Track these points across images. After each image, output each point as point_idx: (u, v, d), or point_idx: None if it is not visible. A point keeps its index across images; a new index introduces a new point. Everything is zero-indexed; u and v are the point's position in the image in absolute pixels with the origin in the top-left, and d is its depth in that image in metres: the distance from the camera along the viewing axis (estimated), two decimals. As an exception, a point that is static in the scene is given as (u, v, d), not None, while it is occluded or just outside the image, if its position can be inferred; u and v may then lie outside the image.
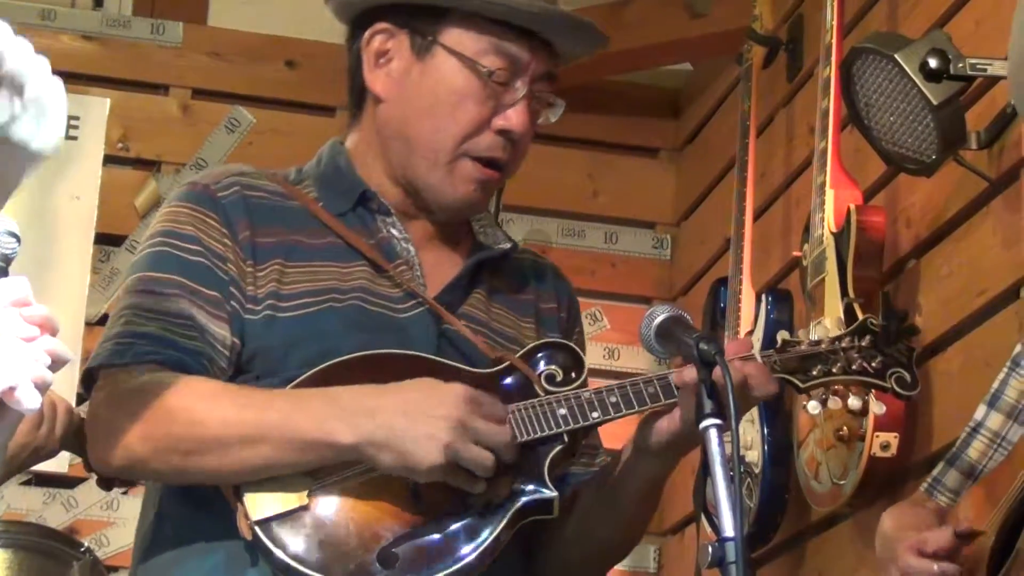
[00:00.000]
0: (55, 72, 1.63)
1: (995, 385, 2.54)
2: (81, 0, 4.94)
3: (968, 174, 3.15)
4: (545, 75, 2.51)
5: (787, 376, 2.41)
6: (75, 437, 3.10)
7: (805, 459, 3.47)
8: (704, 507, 3.73)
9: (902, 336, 2.44)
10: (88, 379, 2.38)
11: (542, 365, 2.41)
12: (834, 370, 2.41)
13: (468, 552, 2.27)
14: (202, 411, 2.25)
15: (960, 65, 2.99)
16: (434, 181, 2.46)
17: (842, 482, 3.32)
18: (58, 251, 4.57)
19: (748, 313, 3.82)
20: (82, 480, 4.49)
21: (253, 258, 2.38)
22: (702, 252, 4.74)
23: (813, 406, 2.53)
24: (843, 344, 2.41)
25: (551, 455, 2.33)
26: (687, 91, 5.09)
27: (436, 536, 2.28)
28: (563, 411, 2.33)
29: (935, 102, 3.00)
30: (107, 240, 4.71)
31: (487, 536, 2.28)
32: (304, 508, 2.26)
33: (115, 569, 4.46)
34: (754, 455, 3.67)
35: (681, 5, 4.67)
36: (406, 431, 2.22)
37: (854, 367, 2.41)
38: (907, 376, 2.42)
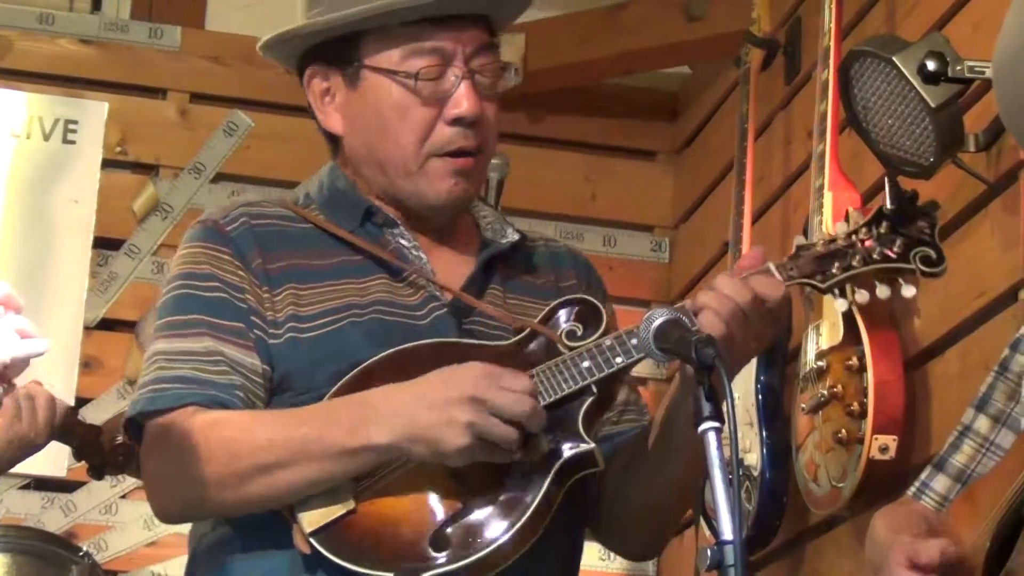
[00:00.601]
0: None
1: (983, 389, 2.53)
2: (79, 4, 4.95)
3: (966, 177, 3.15)
4: (482, 47, 2.49)
5: (805, 280, 2.37)
6: (65, 429, 3.10)
7: (804, 462, 3.47)
8: (703, 510, 3.76)
9: (920, 214, 2.36)
10: (132, 429, 2.43)
11: (562, 323, 2.41)
12: (854, 263, 2.34)
13: (518, 518, 2.27)
14: (241, 444, 2.31)
15: (958, 68, 2.99)
16: (414, 189, 2.48)
17: (841, 485, 3.32)
18: (56, 255, 4.57)
19: (746, 316, 3.82)
20: (81, 484, 4.50)
21: (268, 284, 2.42)
22: (700, 255, 4.74)
23: (840, 304, 2.48)
24: (860, 236, 2.35)
25: (583, 408, 2.32)
26: (685, 94, 5.09)
27: (484, 511, 2.29)
28: (586, 363, 2.34)
29: (933, 105, 3.00)
30: (105, 244, 4.71)
31: (533, 499, 2.28)
32: (352, 512, 2.30)
33: (114, 573, 4.46)
34: (753, 458, 3.67)
35: (679, 8, 4.67)
36: (430, 421, 2.25)
37: (875, 256, 2.34)
38: (932, 253, 2.35)
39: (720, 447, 2.08)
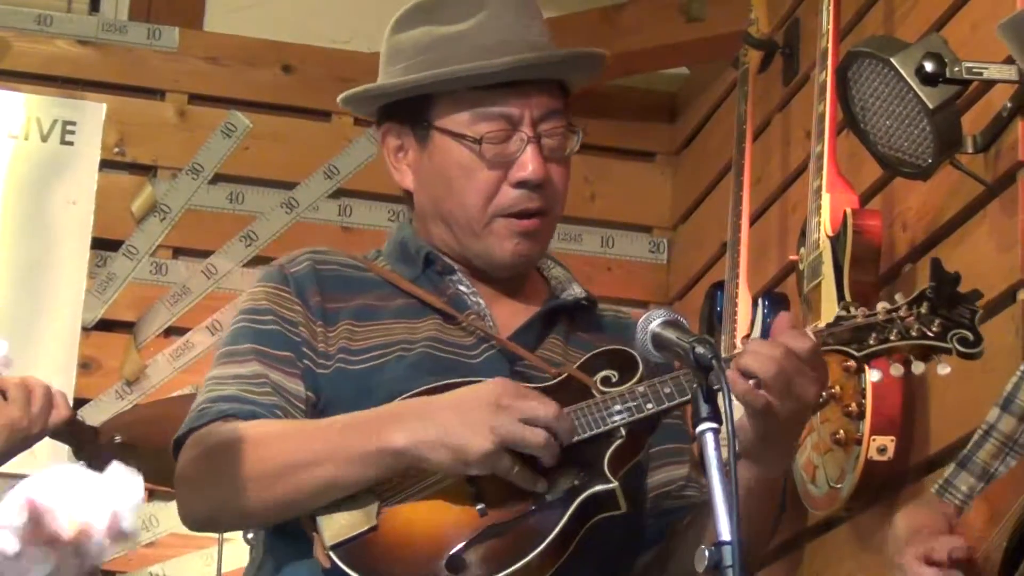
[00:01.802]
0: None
1: (1008, 388, 2.53)
2: (77, 5, 4.95)
3: (964, 178, 3.15)
4: (550, 112, 2.56)
5: (841, 347, 2.39)
6: (63, 426, 3.09)
7: (802, 463, 3.47)
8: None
9: (962, 300, 2.38)
10: (177, 449, 2.49)
11: (598, 371, 2.46)
12: (892, 337, 2.37)
13: (533, 551, 2.30)
14: (267, 446, 2.37)
15: (956, 69, 2.99)
16: (480, 249, 2.55)
17: (839, 486, 3.32)
18: (54, 256, 4.57)
19: (745, 317, 3.83)
20: (79, 485, 4.49)
21: (323, 320, 2.50)
22: (699, 256, 4.74)
23: (875, 375, 2.52)
24: (901, 313, 2.38)
25: (611, 450, 2.35)
26: (683, 95, 5.09)
27: (502, 538, 2.32)
28: (617, 407, 2.38)
29: (931, 106, 3.00)
30: (103, 245, 4.71)
31: (550, 533, 2.31)
32: (373, 528, 2.34)
33: (112, 574, 4.46)
34: (751, 459, 3.67)
35: (677, 9, 4.68)
36: (453, 425, 2.29)
37: (913, 332, 2.36)
38: (970, 335, 2.37)
39: (718, 447, 2.08)
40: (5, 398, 3.00)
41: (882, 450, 3.23)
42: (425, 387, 2.40)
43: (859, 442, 3.25)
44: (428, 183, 2.58)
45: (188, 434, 2.44)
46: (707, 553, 2.00)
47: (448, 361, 2.47)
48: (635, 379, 2.41)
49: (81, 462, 3.19)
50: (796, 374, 2.27)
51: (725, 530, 2.01)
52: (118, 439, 3.19)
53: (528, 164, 2.51)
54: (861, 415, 3.25)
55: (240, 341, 2.49)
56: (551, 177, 2.54)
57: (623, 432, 2.36)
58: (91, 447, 3.20)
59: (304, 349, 2.47)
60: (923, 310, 2.37)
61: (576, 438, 2.34)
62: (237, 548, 3.69)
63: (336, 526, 2.34)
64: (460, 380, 2.41)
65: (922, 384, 3.34)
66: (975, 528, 2.35)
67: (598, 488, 2.32)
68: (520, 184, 2.52)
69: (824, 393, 3.34)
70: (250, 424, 2.38)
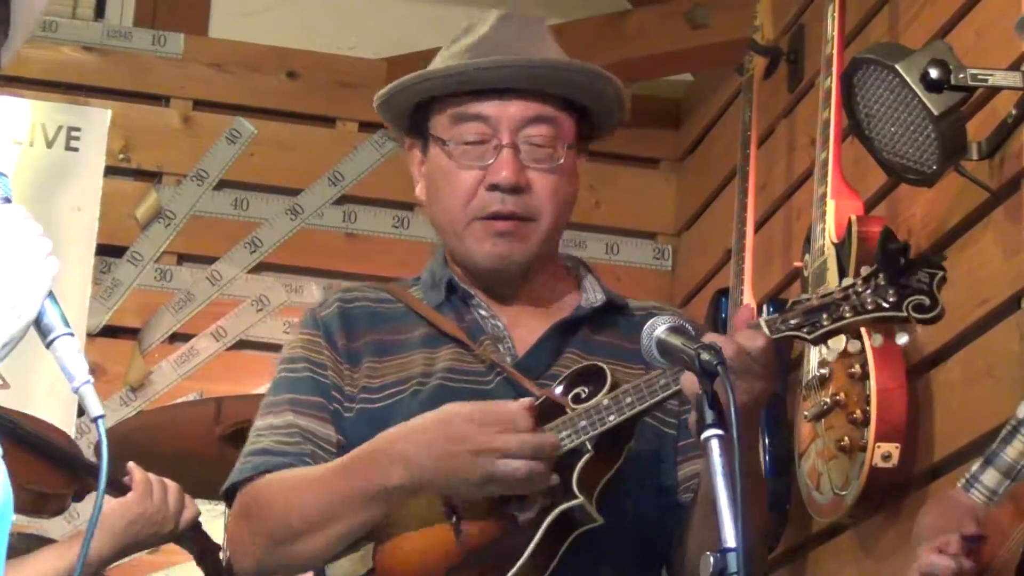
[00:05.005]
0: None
1: None
2: (82, 11, 4.95)
3: (969, 184, 3.15)
4: (535, 118, 2.59)
5: (792, 333, 2.38)
6: (191, 529, 3.12)
7: (806, 469, 3.47)
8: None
9: (925, 265, 2.34)
10: (228, 499, 2.63)
11: (571, 388, 2.49)
12: (845, 314, 2.34)
13: (508, 570, 2.39)
14: (290, 502, 2.50)
15: (961, 75, 2.99)
16: (463, 252, 2.62)
17: (843, 492, 3.32)
18: (59, 262, 4.56)
19: (749, 324, 3.82)
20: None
21: (349, 362, 2.60)
22: (703, 263, 4.74)
23: (827, 352, 2.50)
24: (857, 288, 2.35)
25: (579, 466, 2.41)
26: (688, 102, 5.09)
27: (481, 564, 2.42)
28: (583, 422, 2.43)
29: (936, 112, 3.00)
30: (108, 251, 4.71)
31: (523, 553, 2.39)
32: (371, 572, 2.48)
33: (116, 580, 4.46)
34: (755, 466, 3.67)
35: (682, 16, 4.68)
36: (440, 474, 2.40)
37: (868, 306, 2.33)
38: (926, 300, 2.33)
39: (723, 455, 2.08)
40: (149, 492, 3.03)
41: (887, 457, 3.23)
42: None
43: (864, 449, 3.24)
44: (428, 191, 2.66)
45: (234, 488, 2.57)
46: (712, 560, 1.99)
47: (463, 391, 2.52)
48: (602, 393, 2.45)
49: (195, 557, 3.21)
50: (744, 371, 2.29)
51: (730, 536, 2.01)
52: None
53: (501, 169, 2.56)
54: (866, 422, 3.24)
55: (277, 391, 2.61)
56: (531, 184, 2.57)
57: (589, 447, 2.41)
58: (211, 558, 3.22)
59: (333, 392, 2.58)
60: (881, 282, 2.34)
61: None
62: (241, 554, 3.69)
63: (341, 573, 2.49)
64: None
65: (927, 391, 3.34)
66: (1001, 525, 2.35)
67: (565, 505, 2.39)
68: (492, 187, 2.56)
69: (829, 400, 3.34)
70: (275, 479, 2.51)
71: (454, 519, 2.43)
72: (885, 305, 2.32)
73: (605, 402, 2.42)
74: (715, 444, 2.09)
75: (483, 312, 2.62)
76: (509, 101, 2.58)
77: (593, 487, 2.41)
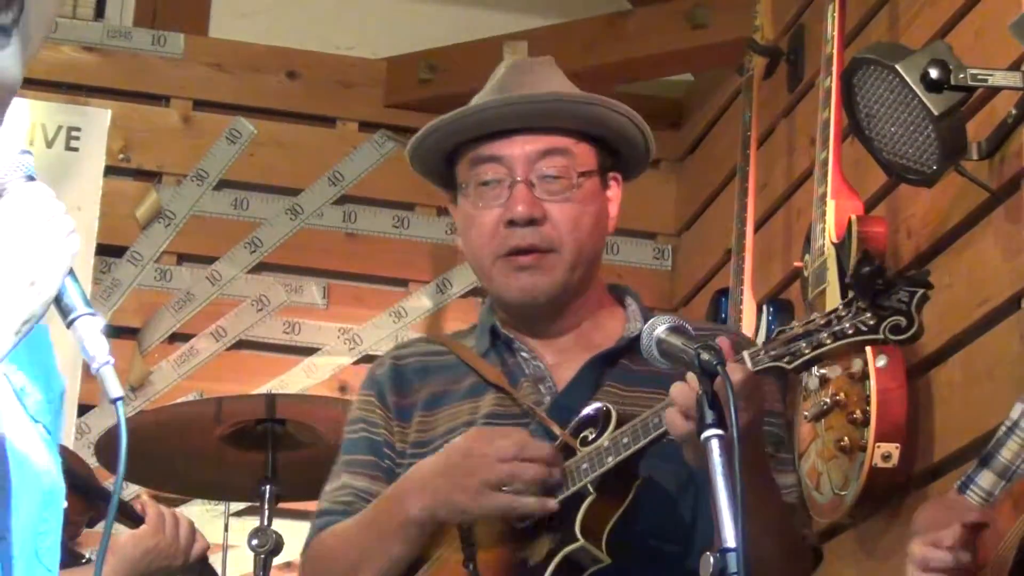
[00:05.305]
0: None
1: None
2: (82, 11, 4.95)
3: (969, 184, 3.16)
4: (547, 151, 2.63)
5: (774, 363, 2.37)
6: (199, 563, 3.15)
7: (806, 469, 3.47)
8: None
9: (903, 285, 2.30)
10: None
11: (583, 430, 2.52)
12: (825, 340, 2.33)
13: None
14: (335, 549, 2.62)
15: (961, 76, 3.00)
16: (495, 292, 2.68)
17: (843, 493, 3.32)
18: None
19: (749, 323, 3.83)
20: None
21: (400, 418, 2.69)
22: (703, 262, 4.74)
23: (811, 380, 2.51)
24: (839, 313, 2.34)
25: (583, 508, 2.45)
26: (688, 101, 5.10)
27: None
28: (585, 465, 2.47)
29: (936, 113, 3.00)
30: (108, 251, 4.72)
31: None
32: None
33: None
34: (755, 466, 3.66)
35: (682, 16, 4.68)
36: (456, 503, 2.49)
37: (848, 331, 2.32)
38: (903, 321, 2.29)
39: (723, 454, 2.08)
40: (161, 526, 3.05)
41: (887, 457, 3.24)
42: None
43: (863, 449, 3.25)
44: (461, 238, 2.73)
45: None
46: (712, 560, 2.00)
47: None
48: (606, 434, 2.47)
49: None
50: (724, 405, 2.25)
51: (730, 536, 2.01)
52: None
53: (515, 204, 2.60)
54: (866, 422, 3.25)
55: (339, 454, 2.74)
56: (549, 215, 2.61)
57: (591, 489, 2.45)
58: None
59: (385, 450, 2.67)
60: (861, 305, 2.32)
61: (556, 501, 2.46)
62: (241, 555, 3.70)
63: None
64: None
65: (927, 391, 3.35)
66: (997, 526, 2.35)
67: (567, 549, 2.44)
68: (510, 223, 2.61)
69: (829, 400, 3.34)
70: (326, 534, 2.64)
71: (470, 563, 2.49)
72: (864, 329, 2.30)
73: (605, 444, 2.45)
74: (715, 444, 2.10)
75: (524, 354, 2.67)
76: (518, 138, 2.63)
77: (601, 527, 2.44)
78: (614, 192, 2.70)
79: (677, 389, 2.30)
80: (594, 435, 2.48)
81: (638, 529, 2.47)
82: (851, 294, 2.35)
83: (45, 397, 1.85)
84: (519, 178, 2.61)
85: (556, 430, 2.54)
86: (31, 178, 1.76)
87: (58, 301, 1.74)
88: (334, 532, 2.62)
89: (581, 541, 2.42)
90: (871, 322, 2.30)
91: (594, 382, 2.61)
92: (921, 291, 2.29)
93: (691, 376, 2.25)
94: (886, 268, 2.35)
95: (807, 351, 2.34)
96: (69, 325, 1.75)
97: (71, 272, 1.77)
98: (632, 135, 2.69)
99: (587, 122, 2.66)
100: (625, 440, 2.42)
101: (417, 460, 2.60)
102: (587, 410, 2.52)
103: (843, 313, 2.33)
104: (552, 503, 2.44)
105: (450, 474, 2.48)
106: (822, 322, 2.34)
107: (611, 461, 2.44)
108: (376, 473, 2.66)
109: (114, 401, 1.72)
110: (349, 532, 2.61)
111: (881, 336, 2.30)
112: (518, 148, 2.62)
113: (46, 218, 1.75)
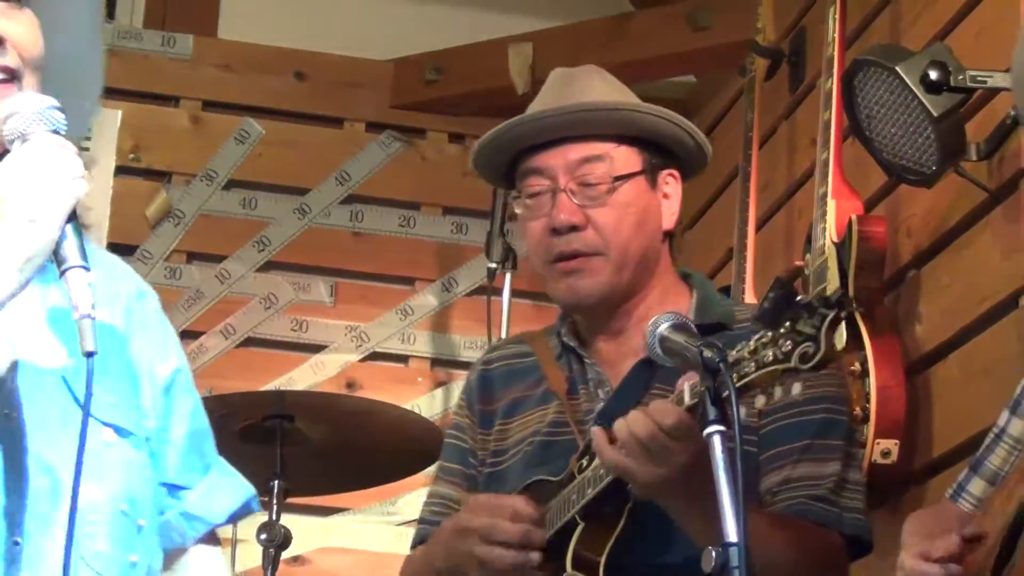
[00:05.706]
0: None
1: (1017, 391, 2.51)
2: (92, 13, 4.97)
3: (968, 185, 3.17)
4: (586, 159, 2.70)
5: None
6: None
7: (808, 466, 3.48)
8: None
9: (814, 309, 2.16)
10: None
11: (584, 455, 2.56)
12: (749, 371, 2.22)
13: None
14: None
15: (960, 77, 3.02)
16: (553, 297, 2.75)
17: (844, 488, 3.34)
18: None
19: (751, 322, 3.84)
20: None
21: (483, 425, 2.79)
22: (705, 262, 4.75)
23: (741, 412, 2.49)
24: (764, 341, 2.21)
25: (574, 538, 2.51)
26: (690, 103, 5.10)
27: None
28: (573, 496, 2.53)
29: (936, 114, 3.02)
30: (118, 250, 4.69)
31: None
32: None
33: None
34: (757, 462, 3.68)
35: (684, 18, 4.69)
36: (459, 563, 2.62)
37: (768, 359, 2.19)
38: (810, 348, 2.14)
39: (725, 450, 2.10)
40: None
41: (886, 453, 3.25)
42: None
43: (863, 445, 3.26)
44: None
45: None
46: (714, 554, 2.02)
47: (561, 444, 2.65)
48: (593, 463, 2.50)
49: None
50: (657, 447, 2.31)
51: (732, 531, 2.04)
52: None
53: (557, 213, 2.68)
54: (865, 419, 3.26)
55: (440, 458, 2.88)
56: (592, 220, 2.67)
57: (578, 519, 2.51)
58: None
59: (470, 459, 2.79)
60: (782, 330, 2.20)
61: (548, 534, 2.54)
62: (251, 548, 3.72)
63: None
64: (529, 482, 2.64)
65: (926, 388, 3.36)
66: (992, 531, 2.36)
67: None
68: (553, 231, 2.68)
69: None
70: (415, 554, 2.81)
71: None
72: (780, 356, 2.18)
73: (589, 473, 2.50)
74: (717, 440, 2.12)
75: (587, 361, 2.72)
76: (559, 149, 2.71)
77: (598, 554, 2.48)
78: (672, 188, 2.79)
79: (619, 423, 2.37)
80: (588, 462, 2.52)
81: (638, 551, 2.49)
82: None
83: (117, 398, 1.87)
84: (561, 187, 2.68)
85: (573, 459, 2.58)
86: (56, 132, 1.78)
87: (56, 251, 1.76)
88: (412, 558, 2.81)
89: (569, 572, 2.48)
90: (787, 348, 2.18)
91: (642, 384, 2.64)
92: (832, 313, 2.14)
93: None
94: (797, 293, 2.25)
95: (736, 382, 2.21)
96: (62, 275, 1.77)
97: (76, 223, 1.79)
98: (671, 133, 2.77)
99: (620, 127, 2.72)
100: (603, 470, 2.44)
101: (492, 470, 2.73)
102: (591, 434, 2.53)
103: (768, 340, 2.21)
104: (535, 557, 2.51)
105: (454, 542, 2.61)
106: (748, 352, 2.23)
107: (591, 492, 2.48)
108: (459, 481, 2.79)
109: (88, 355, 1.74)
110: (415, 564, 2.78)
111: (791, 366, 2.17)
112: (558, 158, 2.70)
113: (51, 159, 1.78)
